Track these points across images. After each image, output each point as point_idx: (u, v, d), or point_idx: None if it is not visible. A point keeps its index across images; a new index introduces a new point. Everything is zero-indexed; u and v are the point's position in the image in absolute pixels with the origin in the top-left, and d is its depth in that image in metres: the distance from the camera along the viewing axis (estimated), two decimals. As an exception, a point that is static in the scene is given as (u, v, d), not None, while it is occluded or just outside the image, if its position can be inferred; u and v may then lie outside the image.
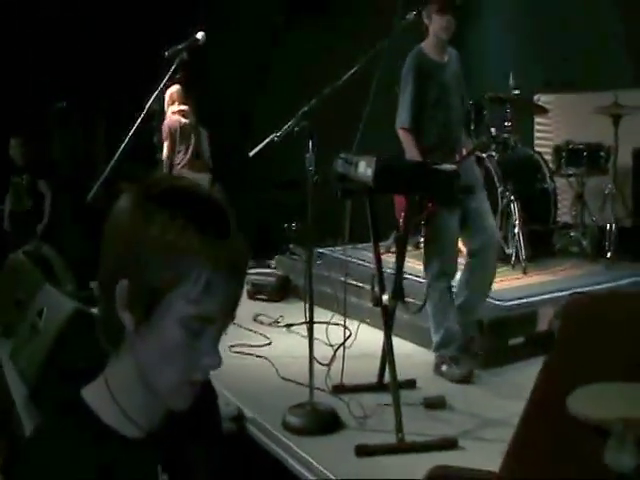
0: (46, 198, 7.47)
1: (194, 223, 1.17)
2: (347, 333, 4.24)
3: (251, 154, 3.38)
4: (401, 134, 4.47)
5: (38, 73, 6.74)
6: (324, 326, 4.55)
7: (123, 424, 1.26)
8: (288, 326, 5.49)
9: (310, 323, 3.76)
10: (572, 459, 1.02)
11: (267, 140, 3.42)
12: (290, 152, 3.77)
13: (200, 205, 1.21)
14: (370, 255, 5.93)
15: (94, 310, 5.07)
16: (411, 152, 4.38)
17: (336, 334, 4.42)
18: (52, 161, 7.40)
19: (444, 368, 4.46)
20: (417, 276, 5.31)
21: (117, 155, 4.37)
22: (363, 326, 5.34)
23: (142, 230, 1.17)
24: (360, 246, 5.93)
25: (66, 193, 6.80)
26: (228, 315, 1.23)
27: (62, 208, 6.93)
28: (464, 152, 4.48)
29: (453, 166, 3.44)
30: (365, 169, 3.37)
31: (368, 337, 5.06)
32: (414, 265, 5.53)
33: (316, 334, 3.87)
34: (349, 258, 4.64)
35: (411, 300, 4.51)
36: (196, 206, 1.20)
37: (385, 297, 3.68)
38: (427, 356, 4.80)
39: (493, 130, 6.19)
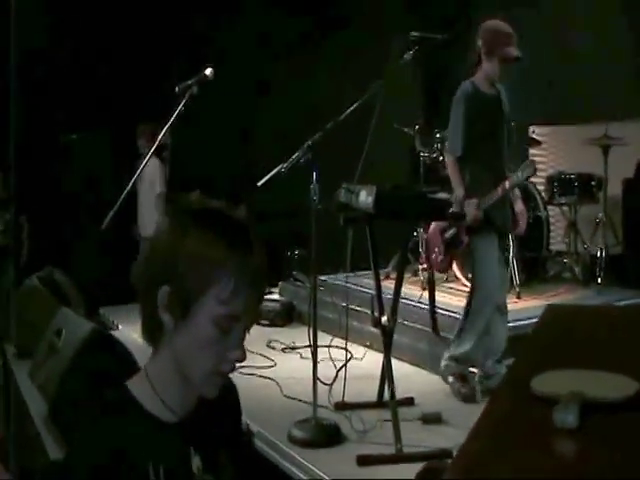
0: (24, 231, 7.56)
1: (223, 239, 1.43)
2: (348, 355, 4.47)
3: (259, 184, 3.63)
4: (448, 162, 4.61)
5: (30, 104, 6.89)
6: (326, 349, 4.76)
7: (161, 410, 1.50)
8: (293, 349, 5.69)
9: (314, 345, 3.99)
10: (524, 424, 1.26)
11: (275, 171, 3.66)
12: (292, 181, 4.01)
13: (229, 224, 1.46)
14: (370, 282, 6.21)
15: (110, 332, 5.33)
16: (455, 180, 4.50)
17: (337, 356, 4.65)
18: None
19: (451, 380, 4.69)
20: (419, 302, 5.62)
21: (129, 186, 4.62)
22: (364, 349, 5.57)
23: (180, 244, 1.43)
24: (361, 274, 6.13)
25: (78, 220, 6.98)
26: (252, 315, 1.48)
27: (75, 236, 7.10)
28: (506, 185, 4.50)
29: (447, 195, 3.69)
30: (366, 197, 3.62)
31: (369, 359, 5.29)
32: (412, 291, 5.80)
33: (319, 356, 4.09)
34: (351, 285, 4.87)
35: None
36: (225, 225, 1.46)
37: (384, 318, 3.91)
38: (425, 377, 5.03)
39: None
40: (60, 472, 1.46)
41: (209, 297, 1.42)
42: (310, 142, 3.73)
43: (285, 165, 3.70)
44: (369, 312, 5.31)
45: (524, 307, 5.62)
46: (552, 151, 7.42)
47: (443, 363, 4.76)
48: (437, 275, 6.63)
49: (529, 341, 1.74)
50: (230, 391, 1.69)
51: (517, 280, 5.85)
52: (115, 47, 6.89)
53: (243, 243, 1.45)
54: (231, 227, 1.46)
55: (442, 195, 3.68)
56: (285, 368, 5.25)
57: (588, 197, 6.45)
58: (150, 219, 6.31)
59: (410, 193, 4.08)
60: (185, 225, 1.45)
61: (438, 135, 6.54)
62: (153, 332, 1.51)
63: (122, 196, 4.56)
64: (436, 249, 5.54)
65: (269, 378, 4.95)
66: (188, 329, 1.44)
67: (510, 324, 5.15)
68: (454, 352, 4.69)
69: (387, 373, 3.88)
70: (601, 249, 6.30)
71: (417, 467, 3.55)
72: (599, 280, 6.23)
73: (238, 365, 1.50)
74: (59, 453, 3.69)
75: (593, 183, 6.43)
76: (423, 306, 5.72)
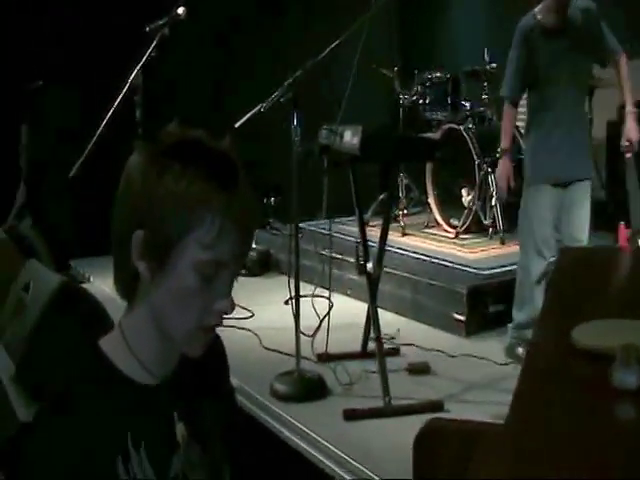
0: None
1: (205, 173, 1.22)
2: (330, 305, 4.30)
3: (237, 125, 3.41)
4: (504, 105, 4.30)
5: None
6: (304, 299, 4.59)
7: (139, 372, 1.30)
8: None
9: (297, 296, 3.81)
10: (577, 383, 1.09)
11: (253, 111, 3.44)
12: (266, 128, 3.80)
13: (210, 156, 1.25)
14: (348, 228, 6.06)
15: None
16: (502, 128, 4.30)
17: (318, 306, 4.48)
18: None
19: (520, 351, 4.23)
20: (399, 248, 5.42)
21: (99, 130, 4.40)
22: (345, 298, 5.42)
23: (155, 182, 1.21)
24: (337, 220, 5.97)
25: (43, 172, 6.76)
26: (239, 261, 1.28)
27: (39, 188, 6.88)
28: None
29: (436, 135, 3.49)
30: (351, 138, 3.42)
31: (350, 308, 5.15)
32: (392, 237, 5.62)
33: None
34: (330, 231, 4.68)
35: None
36: (206, 157, 1.25)
37: (369, 265, 3.73)
38: (408, 325, 4.89)
39: (468, 104, 6.26)
40: (30, 440, 1.26)
41: (190, 241, 1.22)
42: (291, 80, 3.50)
43: (264, 105, 3.47)
44: (350, 260, 5.22)
45: (508, 252, 5.47)
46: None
47: (508, 342, 4.38)
48: (416, 220, 6.50)
49: (552, 287, 1.56)
50: (216, 347, 1.50)
51: (500, 226, 5.70)
52: None
53: (228, 178, 1.24)
54: (214, 160, 1.25)
55: (430, 135, 3.47)
56: (264, 319, 5.08)
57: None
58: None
59: (398, 134, 3.88)
60: (160, 159, 1.23)
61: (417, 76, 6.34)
62: (127, 284, 1.30)
63: (91, 142, 4.36)
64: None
65: (247, 329, 4.78)
66: (167, 278, 1.24)
67: (495, 270, 5.05)
68: (516, 320, 4.33)
69: (374, 322, 3.72)
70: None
71: (407, 420, 3.47)
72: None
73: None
74: (27, 415, 3.51)
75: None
76: (404, 252, 5.58)
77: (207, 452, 1.39)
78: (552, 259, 4.21)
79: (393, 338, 4.56)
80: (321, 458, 3.29)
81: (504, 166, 4.30)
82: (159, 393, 1.32)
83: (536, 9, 4.04)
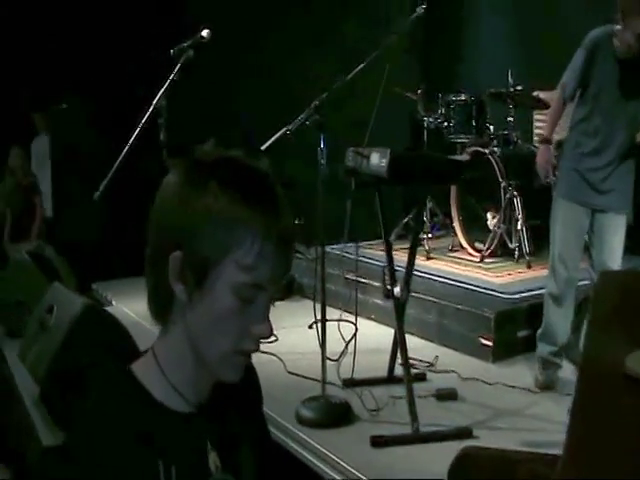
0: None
1: (244, 193, 1.18)
2: (356, 329, 4.24)
3: (263, 148, 3.38)
4: (556, 95, 4.17)
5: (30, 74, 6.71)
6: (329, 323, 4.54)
7: (172, 398, 1.26)
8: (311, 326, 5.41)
9: (323, 320, 3.76)
10: (634, 415, 1.03)
11: (279, 133, 3.41)
12: (288, 151, 3.76)
13: (250, 176, 1.22)
14: (371, 252, 6.02)
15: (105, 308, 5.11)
16: (548, 117, 4.25)
17: (342, 331, 4.43)
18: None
19: (547, 376, 4.19)
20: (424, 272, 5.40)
21: (123, 153, 4.39)
22: (369, 322, 5.37)
23: (194, 200, 1.18)
24: (362, 244, 5.93)
25: (69, 194, 6.79)
26: (277, 284, 1.24)
27: (64, 209, 6.91)
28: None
29: (464, 157, 3.45)
30: (379, 160, 3.38)
31: (374, 332, 5.10)
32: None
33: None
34: (353, 255, 4.64)
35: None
36: (246, 177, 1.21)
37: (396, 289, 3.68)
38: (434, 350, 4.82)
39: (492, 127, 6.22)
40: (58, 466, 1.22)
41: (229, 263, 1.18)
42: (317, 102, 3.47)
43: (290, 127, 3.44)
44: (375, 284, 5.17)
45: (534, 276, 5.39)
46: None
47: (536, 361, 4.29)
48: (440, 244, 6.44)
49: (594, 312, 1.50)
50: (251, 374, 1.45)
51: (527, 249, 5.62)
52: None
53: (268, 199, 1.20)
54: (254, 180, 1.21)
55: (459, 157, 3.43)
56: (288, 343, 5.02)
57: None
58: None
59: (425, 155, 3.83)
60: (198, 177, 1.19)
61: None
62: (163, 306, 1.25)
63: (115, 165, 4.34)
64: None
65: (272, 354, 4.72)
66: (204, 301, 1.20)
67: (523, 294, 4.98)
68: (538, 344, 4.25)
69: (401, 347, 3.65)
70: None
71: (435, 447, 3.40)
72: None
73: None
74: (50, 437, 3.48)
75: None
76: (429, 276, 5.52)
77: (240, 482, 1.35)
78: (585, 282, 4.15)
79: (431, 365, 4.50)
80: (348, 485, 3.23)
81: (542, 154, 4.23)
82: (193, 421, 1.28)
83: (617, 27, 3.81)
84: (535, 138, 6.99)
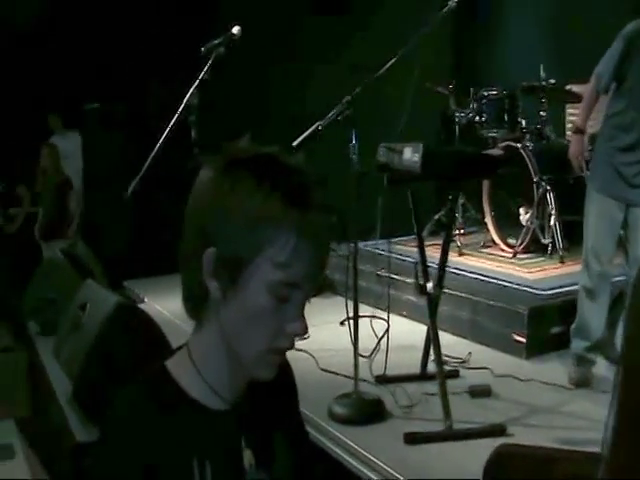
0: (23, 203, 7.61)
1: (279, 190, 1.17)
2: (386, 326, 4.23)
3: (295, 144, 3.36)
4: (590, 86, 4.11)
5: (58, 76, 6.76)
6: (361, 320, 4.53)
7: (207, 396, 1.26)
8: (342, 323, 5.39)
9: (355, 317, 3.75)
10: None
11: (311, 129, 3.39)
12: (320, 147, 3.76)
13: (285, 173, 1.20)
14: (403, 248, 5.98)
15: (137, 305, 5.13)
16: (580, 107, 4.22)
17: (375, 327, 4.41)
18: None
19: (582, 373, 4.14)
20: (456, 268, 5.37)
21: (155, 150, 4.40)
22: (401, 319, 5.34)
23: (228, 195, 1.17)
24: (394, 240, 5.89)
25: (100, 192, 6.82)
26: (313, 282, 1.23)
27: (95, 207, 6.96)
28: None
29: (498, 151, 3.41)
30: (412, 155, 3.35)
31: (406, 329, 5.07)
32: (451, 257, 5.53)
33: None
34: (384, 252, 4.60)
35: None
36: (281, 174, 1.20)
37: (429, 286, 3.65)
38: (467, 347, 4.78)
39: (524, 122, 6.16)
40: (93, 462, 1.22)
41: (264, 260, 1.17)
42: (350, 97, 3.45)
43: (322, 122, 3.42)
44: (407, 280, 5.14)
45: (568, 272, 5.33)
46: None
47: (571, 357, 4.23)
48: (472, 240, 6.40)
49: (632, 306, 1.47)
50: (286, 372, 1.45)
51: (560, 245, 5.57)
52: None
53: (303, 196, 1.19)
54: (288, 177, 1.20)
55: (493, 151, 3.40)
56: (319, 340, 5.01)
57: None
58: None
59: (459, 150, 3.80)
60: (233, 173, 1.19)
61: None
62: (197, 303, 1.25)
63: (147, 162, 4.35)
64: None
65: (304, 351, 4.71)
66: (238, 298, 1.19)
67: (556, 290, 4.93)
68: (572, 340, 4.19)
69: (434, 344, 3.63)
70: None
71: (469, 444, 3.37)
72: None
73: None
74: (84, 434, 3.51)
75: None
76: (462, 273, 5.48)
77: (274, 480, 1.34)
78: (621, 278, 4.10)
79: (464, 362, 4.47)
80: (381, 483, 3.21)
81: (575, 145, 4.19)
82: (227, 418, 1.28)
83: None
84: (568, 133, 6.93)
